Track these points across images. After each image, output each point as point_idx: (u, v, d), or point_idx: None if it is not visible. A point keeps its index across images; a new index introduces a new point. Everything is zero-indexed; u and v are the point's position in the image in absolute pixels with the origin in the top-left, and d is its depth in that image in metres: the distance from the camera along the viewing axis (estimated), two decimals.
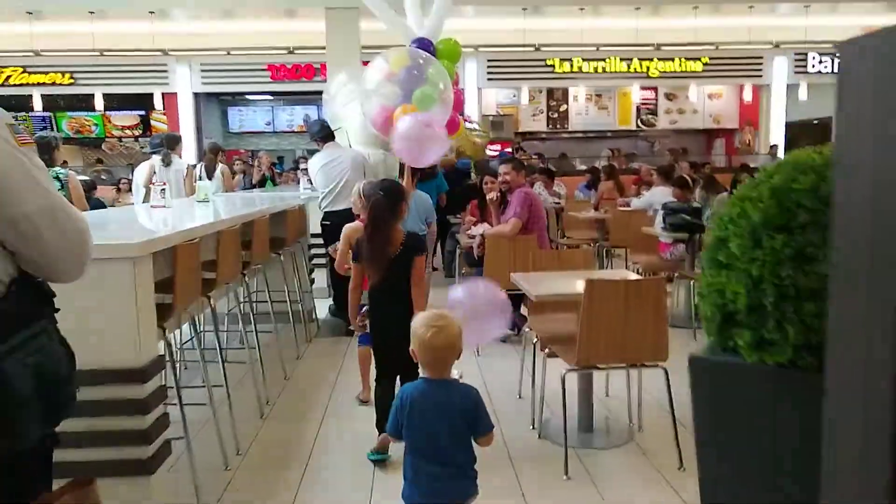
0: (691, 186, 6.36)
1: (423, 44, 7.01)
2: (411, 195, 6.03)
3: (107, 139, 15.70)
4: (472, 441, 2.16)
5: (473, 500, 2.16)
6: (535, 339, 3.73)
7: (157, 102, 13.03)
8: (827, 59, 14.49)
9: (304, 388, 4.59)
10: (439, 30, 7.08)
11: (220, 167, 8.62)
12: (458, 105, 7.28)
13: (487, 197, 5.40)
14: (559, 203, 8.77)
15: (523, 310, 5.64)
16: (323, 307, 6.55)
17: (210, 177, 8.75)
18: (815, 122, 15.80)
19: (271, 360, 4.77)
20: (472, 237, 5.63)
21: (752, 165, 11.90)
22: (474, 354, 5.13)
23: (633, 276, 3.68)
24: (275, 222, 5.07)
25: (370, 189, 3.50)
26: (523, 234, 5.11)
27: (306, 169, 11.95)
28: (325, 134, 6.25)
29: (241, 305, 4.42)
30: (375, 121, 5.60)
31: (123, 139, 15.72)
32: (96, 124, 15.41)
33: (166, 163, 7.82)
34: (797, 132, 14.98)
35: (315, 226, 7.07)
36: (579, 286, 3.20)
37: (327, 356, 5.27)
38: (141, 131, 15.56)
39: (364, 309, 3.47)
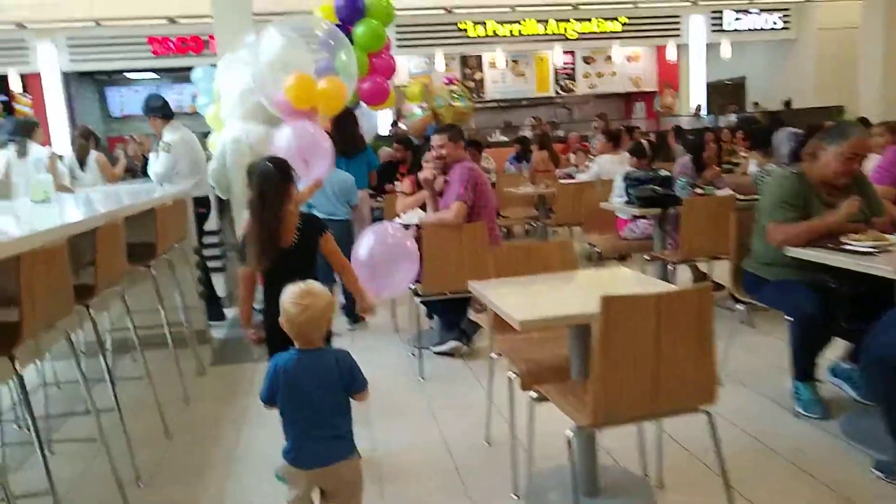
0: (648, 153, 5.38)
1: (351, 1, 5.75)
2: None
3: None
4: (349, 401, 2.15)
5: (353, 460, 2.14)
6: (513, 374, 2.63)
7: (15, 84, 11.07)
8: (742, 16, 13.98)
9: (193, 447, 3.35)
10: None
11: (93, 155, 7.07)
12: (389, 71, 6.09)
13: (421, 176, 4.22)
14: (489, 178, 7.72)
15: (472, 314, 4.57)
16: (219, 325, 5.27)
17: (82, 167, 7.24)
18: (728, 82, 15.39)
19: (143, 409, 3.49)
20: (405, 227, 4.47)
21: (680, 127, 11.17)
22: (419, 379, 4.00)
23: (660, 285, 2.58)
24: (140, 224, 3.77)
25: (256, 165, 2.75)
26: (469, 222, 3.99)
27: None
28: (169, 110, 5.53)
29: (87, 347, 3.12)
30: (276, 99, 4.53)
31: None
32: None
33: (21, 153, 6.34)
34: (711, 92, 14.50)
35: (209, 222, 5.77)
36: (584, 304, 2.12)
37: (225, 395, 4.02)
38: (3, 119, 13.42)
39: (259, 319, 2.91)
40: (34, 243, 2.32)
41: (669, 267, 4.57)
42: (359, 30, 5.74)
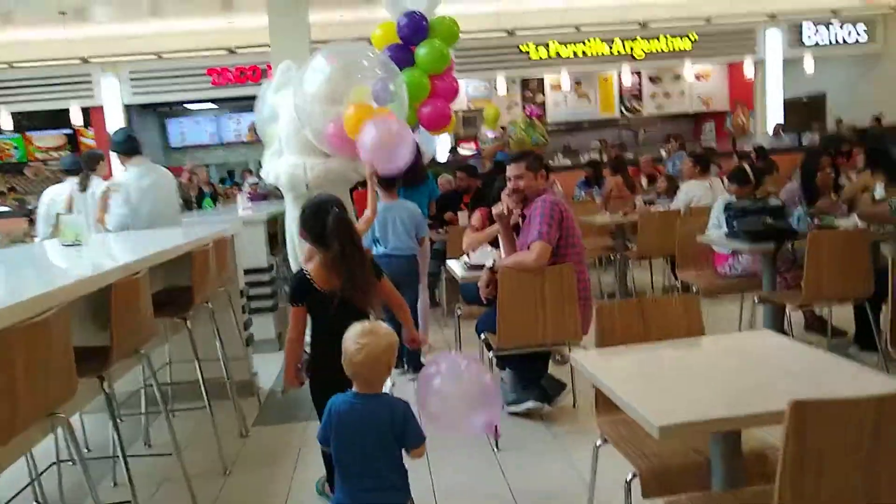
0: (751, 180, 4.65)
1: (414, 20, 5.25)
2: (391, 206, 4.33)
3: (30, 163, 13.57)
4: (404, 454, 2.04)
5: None
6: (631, 476, 1.98)
7: (76, 118, 11.00)
8: (823, 29, 13.02)
9: None
10: (436, 2, 5.37)
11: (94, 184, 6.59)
12: (451, 94, 5.54)
13: (494, 212, 3.60)
14: None
15: (554, 368, 3.92)
16: (269, 372, 4.76)
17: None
18: (806, 99, 14.37)
19: (173, 485, 2.96)
20: (475, 267, 3.85)
21: (763, 147, 10.28)
22: (492, 450, 3.36)
23: (843, 367, 1.83)
24: (179, 267, 3.28)
25: (314, 207, 2.62)
26: (553, 264, 3.34)
27: (246, 183, 10.04)
28: (130, 147, 4.65)
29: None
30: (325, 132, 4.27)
31: (49, 162, 13.61)
32: (16, 147, 13.32)
33: (83, 187, 6.05)
34: (787, 110, 13.51)
35: (253, 259, 5.29)
36: (741, 397, 1.47)
37: (270, 459, 3.46)
38: (70, 152, 13.49)
39: (303, 361, 2.69)
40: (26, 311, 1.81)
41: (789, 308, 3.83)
42: (421, 51, 5.21)
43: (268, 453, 3.59)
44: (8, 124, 10.67)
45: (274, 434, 3.84)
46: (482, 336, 3.63)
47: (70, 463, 3.18)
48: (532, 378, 3.66)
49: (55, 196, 6.19)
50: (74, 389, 2.05)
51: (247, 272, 4.71)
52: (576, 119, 14.34)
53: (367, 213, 3.99)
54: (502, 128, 9.55)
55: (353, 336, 1.99)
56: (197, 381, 3.38)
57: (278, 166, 4.84)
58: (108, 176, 6.59)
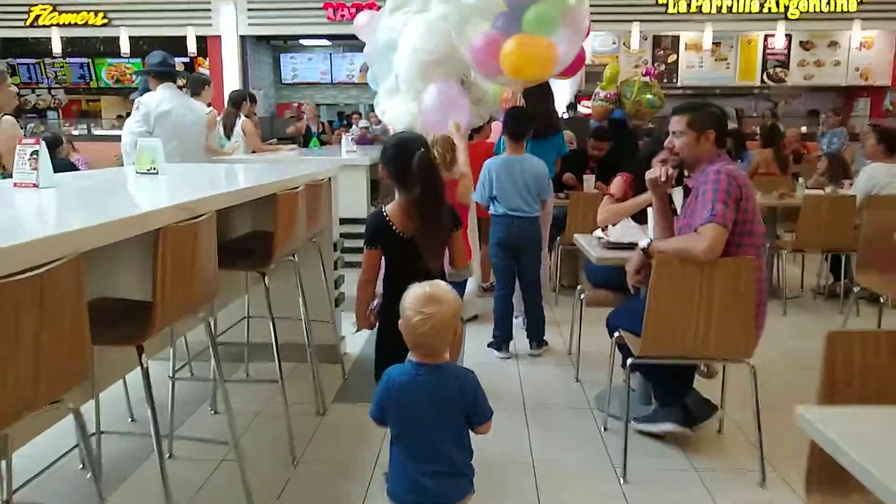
0: None
1: None
2: (514, 160, 3.68)
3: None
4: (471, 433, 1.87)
5: (470, 498, 1.86)
6: None
7: (191, 46, 10.75)
8: None
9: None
10: None
11: (241, 121, 6.34)
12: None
13: (648, 177, 2.80)
14: None
15: (698, 382, 3.14)
16: (358, 336, 4.20)
17: (228, 135, 6.58)
18: None
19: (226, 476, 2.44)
20: (615, 246, 3.09)
21: None
22: (618, 480, 2.65)
23: None
24: (263, 210, 2.72)
25: (400, 146, 2.42)
26: (724, 256, 2.53)
27: (350, 125, 9.53)
28: (163, 70, 4.75)
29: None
30: (478, 53, 3.87)
31: None
32: (136, 72, 13.35)
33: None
34: None
35: (350, 208, 4.73)
36: None
37: (349, 446, 2.90)
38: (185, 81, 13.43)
39: (376, 304, 2.50)
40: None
41: None
42: None
43: (347, 437, 3.03)
44: (126, 48, 10.55)
45: (356, 414, 3.28)
46: (616, 334, 2.89)
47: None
48: (674, 394, 2.90)
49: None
50: (86, 369, 1.49)
51: (343, 222, 4.15)
52: (709, 84, 12.96)
53: (461, 166, 3.41)
54: (617, 87, 8.61)
55: (415, 303, 1.79)
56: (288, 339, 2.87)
57: (396, 109, 4.23)
58: (213, 103, 6.25)
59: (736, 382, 3.11)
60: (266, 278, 2.74)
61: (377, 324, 2.47)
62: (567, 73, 4.57)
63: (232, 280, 3.28)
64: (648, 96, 7.91)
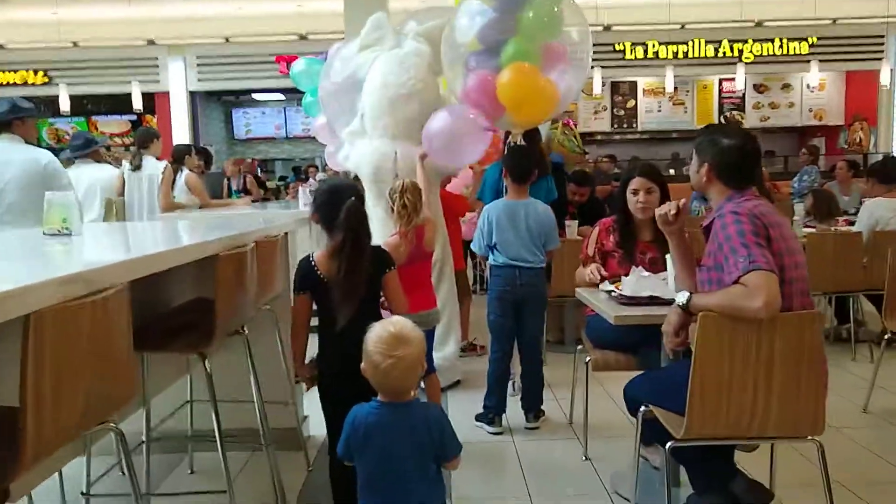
0: None
1: None
2: (517, 205, 3.43)
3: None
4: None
5: None
6: None
7: (137, 102, 10.16)
8: None
9: None
10: None
11: (183, 174, 5.76)
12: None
13: (658, 213, 2.31)
14: None
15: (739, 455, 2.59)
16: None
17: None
18: None
19: None
20: (635, 301, 2.56)
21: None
22: None
23: None
24: (208, 274, 2.13)
25: (330, 192, 2.43)
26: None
27: (307, 179, 9.06)
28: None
29: None
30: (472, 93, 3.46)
31: (113, 148, 12.91)
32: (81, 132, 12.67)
33: (135, 166, 5.42)
34: None
35: None
36: None
37: None
38: (133, 139, 12.78)
39: (313, 359, 2.46)
40: None
41: None
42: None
43: None
44: (66, 105, 9.89)
45: None
46: (641, 409, 2.34)
47: None
48: (716, 478, 2.35)
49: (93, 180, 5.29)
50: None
51: None
52: (668, 128, 12.89)
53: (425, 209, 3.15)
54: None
55: (382, 347, 1.75)
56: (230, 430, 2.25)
57: (360, 151, 3.72)
58: (162, 156, 5.75)
59: (785, 456, 2.59)
60: (207, 362, 2.13)
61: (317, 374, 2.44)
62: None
63: (170, 358, 2.66)
64: (569, 143, 7.62)
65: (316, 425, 3.49)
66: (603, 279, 2.93)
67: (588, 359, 3.08)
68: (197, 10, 10.19)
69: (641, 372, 2.94)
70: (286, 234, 3.18)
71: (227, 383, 2.54)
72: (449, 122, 3.51)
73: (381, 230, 3.81)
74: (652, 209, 2.98)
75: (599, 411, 3.35)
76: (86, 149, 5.44)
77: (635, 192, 3.10)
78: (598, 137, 12.95)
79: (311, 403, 3.50)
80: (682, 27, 10.66)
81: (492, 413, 3.48)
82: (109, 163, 8.28)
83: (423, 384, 3.20)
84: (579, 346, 3.32)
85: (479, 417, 3.55)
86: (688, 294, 2.11)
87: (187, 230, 2.83)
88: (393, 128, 3.69)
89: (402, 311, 2.43)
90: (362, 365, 1.79)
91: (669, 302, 2.46)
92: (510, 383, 3.66)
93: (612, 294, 2.71)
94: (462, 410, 3.69)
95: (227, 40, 10.99)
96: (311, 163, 12.29)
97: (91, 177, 5.29)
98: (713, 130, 2.35)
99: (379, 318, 2.19)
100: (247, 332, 2.53)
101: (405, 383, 1.79)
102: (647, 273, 2.79)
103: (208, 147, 10.96)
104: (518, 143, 3.89)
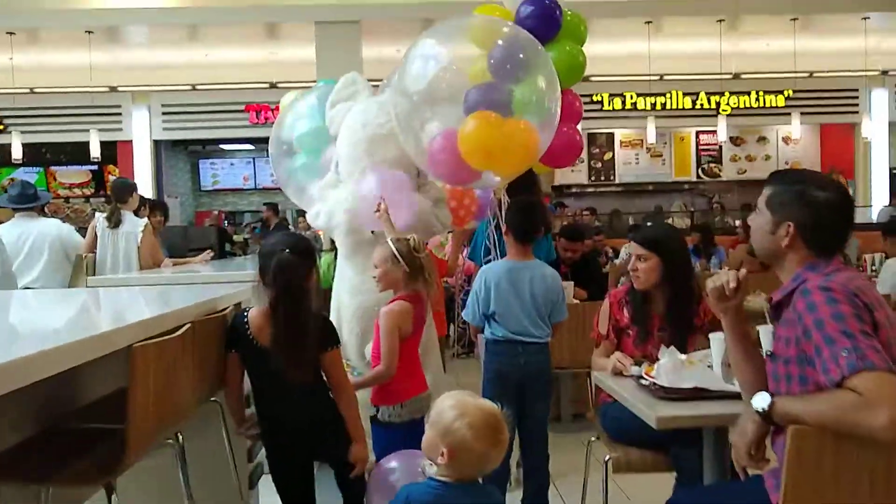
0: None
1: (544, 7, 3.57)
2: (519, 268, 2.91)
3: (51, 201, 12.18)
4: None
5: None
6: None
7: (96, 151, 9.54)
8: None
9: None
10: None
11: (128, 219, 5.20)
12: (577, 116, 3.91)
13: (710, 286, 1.80)
14: None
15: None
16: None
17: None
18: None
19: None
20: (675, 394, 2.01)
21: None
22: None
23: None
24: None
25: (270, 246, 2.19)
26: None
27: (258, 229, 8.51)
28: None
29: None
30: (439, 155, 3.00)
31: (72, 199, 12.23)
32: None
33: (114, 222, 4.95)
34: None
35: None
36: None
37: None
38: (93, 189, 12.12)
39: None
40: None
41: None
42: (552, 53, 3.52)
43: None
44: (18, 153, 9.22)
45: None
46: None
47: None
48: None
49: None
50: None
51: None
52: (646, 180, 12.63)
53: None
54: None
55: (487, 432, 1.59)
56: None
57: (335, 198, 3.21)
58: (140, 211, 5.22)
59: None
60: (114, 496, 1.52)
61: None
62: (562, 160, 3.72)
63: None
64: None
65: None
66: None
67: (607, 457, 2.51)
68: (162, 56, 9.71)
69: (673, 472, 2.40)
70: (239, 304, 2.60)
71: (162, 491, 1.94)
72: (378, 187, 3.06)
73: (351, 293, 3.26)
74: (644, 280, 2.53)
75: None
76: (23, 203, 4.86)
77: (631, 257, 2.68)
78: (575, 190, 12.64)
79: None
80: (661, 78, 10.45)
81: None
82: (61, 218, 7.63)
83: None
84: (593, 438, 2.76)
85: None
86: (769, 397, 1.57)
87: (107, 306, 2.24)
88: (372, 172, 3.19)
89: (352, 403, 2.19)
90: (434, 436, 1.59)
91: (720, 396, 1.93)
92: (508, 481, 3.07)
93: (643, 382, 2.17)
94: None
95: (193, 88, 10.50)
96: (282, 215, 11.74)
97: (39, 232, 4.72)
98: (799, 179, 1.80)
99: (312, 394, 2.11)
100: (182, 440, 1.92)
101: (489, 465, 1.65)
102: (682, 355, 2.26)
103: (171, 200, 10.39)
104: (503, 196, 3.42)
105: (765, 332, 1.95)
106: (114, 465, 1.48)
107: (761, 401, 1.57)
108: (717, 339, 2.06)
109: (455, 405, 1.62)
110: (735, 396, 1.93)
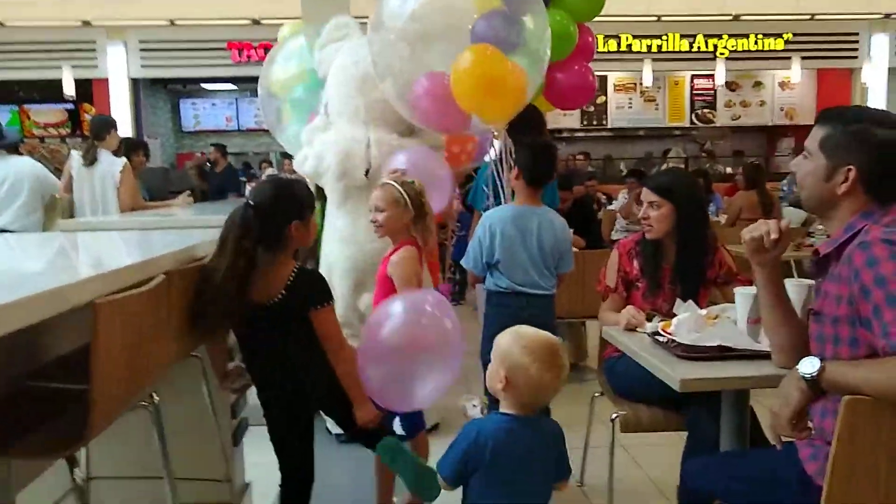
0: None
1: None
2: (525, 214, 2.69)
3: (25, 139, 11.72)
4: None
5: None
6: None
7: (69, 89, 9.09)
8: None
9: None
10: None
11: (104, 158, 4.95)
12: (590, 54, 3.66)
13: (753, 235, 1.61)
14: None
15: None
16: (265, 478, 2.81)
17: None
18: None
19: None
20: (699, 353, 1.84)
21: None
22: None
23: None
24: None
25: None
26: None
27: (264, 176, 8.28)
28: None
29: None
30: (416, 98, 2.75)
31: (47, 139, 11.76)
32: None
33: (88, 161, 4.69)
34: None
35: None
36: None
37: None
38: (69, 129, 11.65)
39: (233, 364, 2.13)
40: None
41: None
42: None
43: None
44: None
45: None
46: None
47: None
48: None
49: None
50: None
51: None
52: (638, 126, 12.35)
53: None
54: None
55: (544, 356, 1.58)
56: None
57: (324, 141, 2.98)
58: (118, 150, 4.94)
59: None
60: (76, 470, 1.33)
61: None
62: (573, 102, 3.50)
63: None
64: None
65: (265, 488, 2.72)
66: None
67: (614, 415, 2.37)
68: None
69: (686, 433, 2.26)
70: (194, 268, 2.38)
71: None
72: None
73: (343, 243, 3.06)
74: (657, 229, 2.35)
75: (619, 476, 2.64)
76: None
77: (640, 204, 2.48)
78: (566, 134, 12.35)
79: (253, 468, 2.73)
80: (659, 19, 10.08)
81: None
82: (36, 158, 7.29)
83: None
84: (596, 394, 2.62)
85: None
86: (818, 362, 1.40)
87: (73, 254, 2.02)
88: (365, 111, 2.95)
89: (350, 363, 1.98)
90: (496, 368, 1.61)
91: (748, 355, 1.77)
92: None
93: (660, 339, 2.00)
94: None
95: (172, 23, 9.99)
96: (265, 157, 11.39)
97: (17, 171, 4.44)
98: (857, 116, 1.55)
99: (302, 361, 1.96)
100: (157, 400, 1.74)
101: (554, 395, 1.65)
102: (703, 309, 2.09)
103: (150, 140, 9.99)
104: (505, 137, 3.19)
105: (796, 289, 1.78)
106: (76, 437, 1.29)
107: (810, 366, 1.39)
108: (743, 294, 1.89)
109: (513, 331, 1.65)
110: (763, 357, 1.77)
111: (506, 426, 1.60)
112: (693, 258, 2.42)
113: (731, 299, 2.43)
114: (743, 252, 1.73)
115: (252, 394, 2.67)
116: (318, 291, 1.97)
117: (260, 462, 2.81)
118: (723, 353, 1.82)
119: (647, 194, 2.44)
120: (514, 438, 1.59)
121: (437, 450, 3.03)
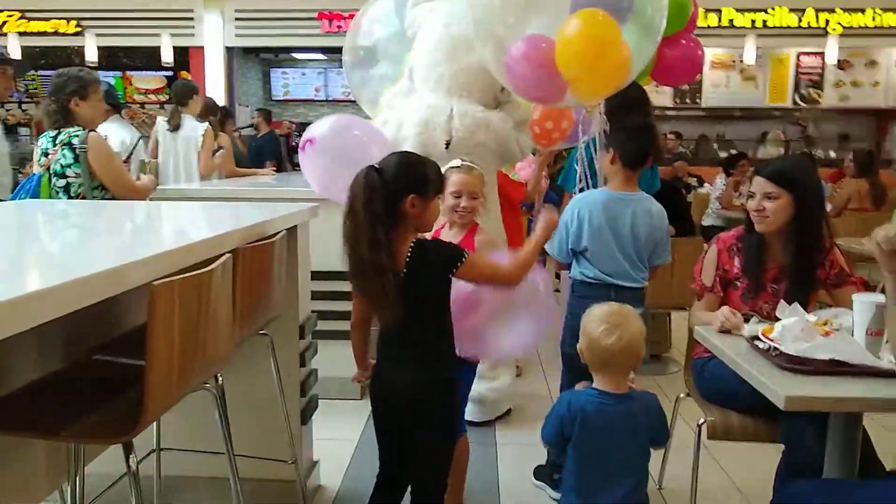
0: None
1: None
2: (621, 200, 2.49)
3: (127, 105, 12.23)
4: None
5: None
6: None
7: (167, 56, 9.35)
8: None
9: None
10: None
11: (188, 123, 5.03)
12: (691, 26, 3.39)
13: (879, 237, 1.38)
14: None
15: None
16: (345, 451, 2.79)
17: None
18: None
19: None
20: (810, 366, 1.63)
21: None
22: None
23: None
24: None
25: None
26: None
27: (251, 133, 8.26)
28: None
29: None
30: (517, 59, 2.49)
31: (147, 105, 12.22)
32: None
33: (174, 126, 4.83)
34: None
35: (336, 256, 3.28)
36: None
37: None
38: (168, 97, 12.04)
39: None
40: None
41: None
42: None
43: None
44: (93, 55, 9.12)
45: None
46: None
47: None
48: None
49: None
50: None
51: (319, 276, 2.68)
52: (734, 105, 11.63)
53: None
54: None
55: (599, 315, 1.74)
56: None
57: (405, 107, 2.87)
58: (203, 114, 5.03)
59: None
60: (132, 457, 1.28)
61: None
62: (679, 79, 3.26)
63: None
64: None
65: (332, 470, 2.69)
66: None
67: (702, 420, 2.18)
68: None
69: (781, 446, 2.05)
70: (295, 227, 2.31)
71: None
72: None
73: None
74: (773, 222, 2.13)
75: (702, 479, 2.45)
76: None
77: (752, 196, 2.22)
78: (657, 112, 11.76)
79: (322, 447, 2.68)
80: None
81: (558, 472, 2.59)
82: (136, 123, 7.49)
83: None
84: (682, 394, 2.42)
85: (539, 474, 2.68)
86: None
87: (140, 228, 1.98)
88: (450, 79, 2.80)
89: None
90: (580, 346, 1.75)
91: (868, 372, 1.55)
92: None
93: (759, 345, 1.78)
94: (513, 458, 2.84)
95: None
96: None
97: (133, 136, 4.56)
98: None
99: (432, 337, 1.82)
100: (220, 381, 1.69)
101: (621, 358, 1.71)
102: (812, 315, 1.86)
103: (242, 108, 10.20)
104: (601, 116, 2.97)
105: (864, 307, 1.55)
106: (131, 423, 1.23)
107: None
108: (864, 302, 1.66)
109: (593, 308, 1.77)
110: (884, 375, 1.54)
111: (594, 400, 1.72)
112: (808, 257, 2.17)
113: (839, 303, 2.18)
114: (850, 247, 1.52)
115: (322, 370, 2.62)
116: (446, 254, 1.78)
117: (330, 437, 2.78)
118: (834, 368, 1.60)
119: (762, 184, 2.19)
120: (602, 412, 1.70)
121: (509, 450, 2.95)
